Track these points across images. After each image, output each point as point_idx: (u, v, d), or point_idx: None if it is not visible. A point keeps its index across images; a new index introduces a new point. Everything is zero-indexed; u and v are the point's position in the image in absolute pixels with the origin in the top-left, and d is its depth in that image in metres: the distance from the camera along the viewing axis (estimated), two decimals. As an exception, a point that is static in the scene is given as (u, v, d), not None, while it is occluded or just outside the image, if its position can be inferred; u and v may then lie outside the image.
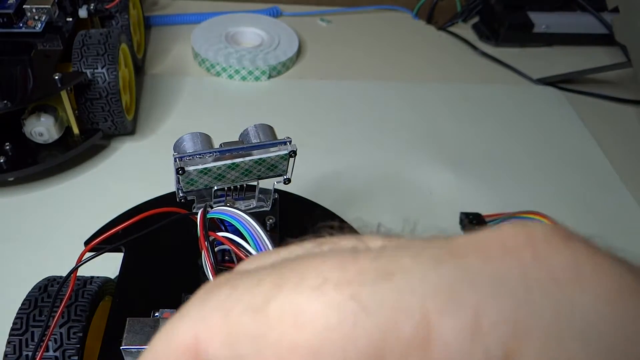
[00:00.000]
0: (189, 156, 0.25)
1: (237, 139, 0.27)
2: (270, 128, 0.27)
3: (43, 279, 0.28)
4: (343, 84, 0.60)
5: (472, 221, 0.44)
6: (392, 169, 0.50)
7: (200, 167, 0.24)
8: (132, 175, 0.46)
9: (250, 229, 0.22)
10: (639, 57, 0.54)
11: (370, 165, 0.50)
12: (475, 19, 0.73)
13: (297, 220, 0.33)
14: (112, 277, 0.30)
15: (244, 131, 0.27)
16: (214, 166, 0.25)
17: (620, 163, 0.53)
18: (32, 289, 0.27)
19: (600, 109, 0.61)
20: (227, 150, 0.25)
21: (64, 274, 0.25)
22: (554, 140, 0.55)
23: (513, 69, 0.65)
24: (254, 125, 0.27)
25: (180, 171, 0.24)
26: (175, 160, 0.24)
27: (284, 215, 0.31)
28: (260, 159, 0.25)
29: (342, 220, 0.34)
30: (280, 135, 0.27)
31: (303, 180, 0.46)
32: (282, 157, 0.26)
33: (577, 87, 0.63)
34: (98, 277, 0.29)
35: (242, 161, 0.25)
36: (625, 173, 0.52)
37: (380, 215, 0.44)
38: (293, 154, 0.26)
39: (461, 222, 0.44)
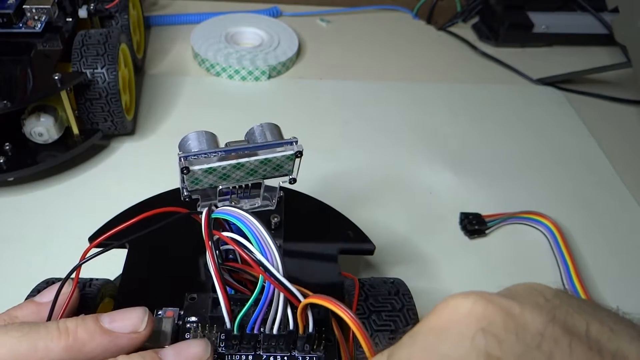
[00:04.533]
0: (194, 155, 0.24)
1: (242, 138, 0.27)
2: (277, 127, 0.27)
3: (42, 281, 0.28)
4: (343, 84, 0.60)
5: (472, 221, 0.44)
6: (392, 169, 0.50)
7: (205, 166, 0.24)
8: (132, 175, 0.46)
9: (254, 230, 0.22)
10: (639, 57, 0.54)
11: (370, 165, 0.50)
12: (475, 19, 0.73)
13: (302, 218, 0.33)
14: (112, 278, 0.30)
15: (249, 130, 0.26)
16: (219, 166, 0.24)
17: (620, 163, 0.53)
18: (31, 291, 0.27)
19: (600, 109, 0.61)
20: (233, 149, 0.25)
21: (64, 275, 0.25)
22: (554, 140, 0.55)
23: (513, 69, 0.65)
24: (260, 124, 0.26)
25: (184, 171, 0.24)
26: (180, 160, 0.24)
27: (289, 213, 0.31)
28: (265, 159, 0.25)
29: (355, 227, 0.34)
30: (281, 136, 0.27)
31: (302, 180, 0.46)
32: (288, 157, 0.26)
33: (577, 87, 0.63)
34: (97, 279, 0.29)
35: (248, 161, 0.25)
36: (625, 173, 0.52)
37: (379, 215, 0.44)
38: (299, 154, 0.26)
39: (461, 222, 0.44)
